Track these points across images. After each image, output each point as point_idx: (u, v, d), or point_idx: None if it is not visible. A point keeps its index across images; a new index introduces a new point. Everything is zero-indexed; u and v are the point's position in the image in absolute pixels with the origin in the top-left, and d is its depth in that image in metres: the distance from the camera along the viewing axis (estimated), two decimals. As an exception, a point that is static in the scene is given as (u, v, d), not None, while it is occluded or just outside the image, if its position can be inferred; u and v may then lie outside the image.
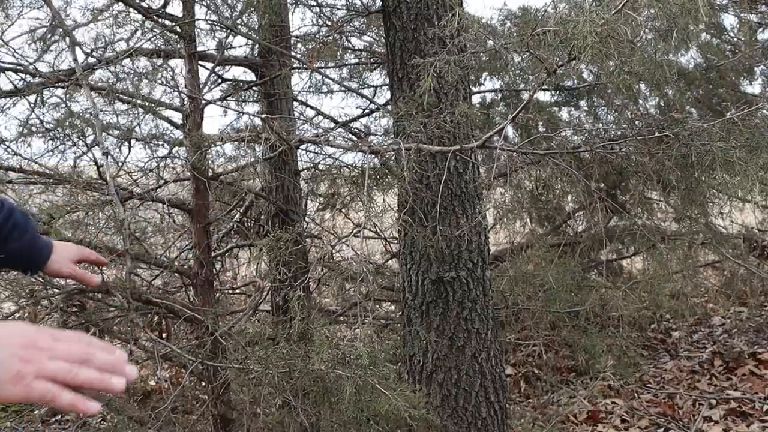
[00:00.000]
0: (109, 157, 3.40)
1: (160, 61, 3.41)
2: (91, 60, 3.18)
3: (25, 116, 3.10)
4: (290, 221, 3.89)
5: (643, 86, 4.30)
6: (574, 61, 1.91)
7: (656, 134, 2.81)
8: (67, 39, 2.66)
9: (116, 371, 0.79)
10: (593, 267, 4.94)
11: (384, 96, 4.87)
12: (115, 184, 2.65)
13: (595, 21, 1.66)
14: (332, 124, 4.51)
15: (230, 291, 4.99)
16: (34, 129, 3.04)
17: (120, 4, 3.23)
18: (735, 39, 5.04)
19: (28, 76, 3.13)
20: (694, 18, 1.68)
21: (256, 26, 3.88)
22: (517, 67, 4.63)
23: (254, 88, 4.26)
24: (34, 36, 3.17)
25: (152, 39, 3.35)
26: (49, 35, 3.17)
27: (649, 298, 4.32)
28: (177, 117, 3.47)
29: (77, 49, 2.71)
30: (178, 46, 3.30)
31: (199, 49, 3.40)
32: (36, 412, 4.24)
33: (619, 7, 1.74)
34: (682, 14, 1.70)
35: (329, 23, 4.30)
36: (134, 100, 3.03)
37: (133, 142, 3.40)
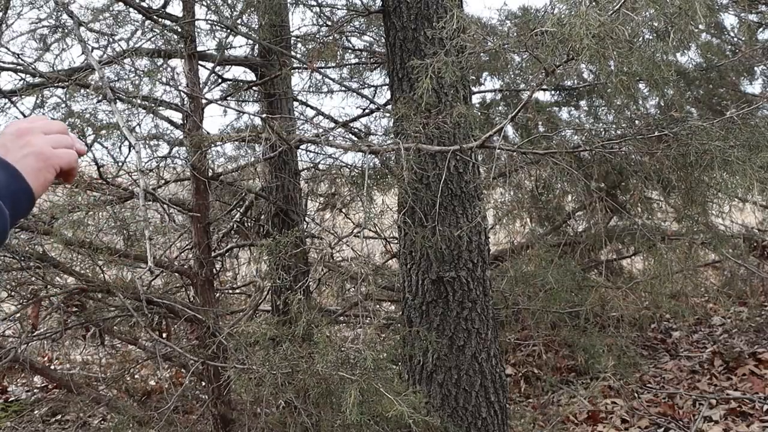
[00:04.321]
0: (110, 157, 3.41)
1: (160, 61, 3.42)
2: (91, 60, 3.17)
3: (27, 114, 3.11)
4: (290, 221, 3.90)
5: (642, 86, 4.30)
6: (572, 61, 1.92)
7: (656, 134, 2.81)
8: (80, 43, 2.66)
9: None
10: (593, 267, 4.94)
11: (384, 96, 4.87)
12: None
13: (591, 23, 1.66)
14: (332, 124, 4.51)
15: (230, 291, 4.99)
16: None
17: (120, 3, 3.24)
18: (735, 39, 5.04)
19: (28, 75, 3.13)
20: (691, 18, 1.68)
21: (256, 26, 3.89)
22: (517, 66, 4.62)
23: (254, 88, 4.27)
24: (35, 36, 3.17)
25: (152, 39, 3.36)
26: (51, 35, 3.18)
27: (649, 298, 4.32)
28: (177, 117, 3.48)
29: (88, 47, 2.72)
30: (178, 46, 3.31)
31: (199, 49, 3.40)
32: (36, 412, 4.24)
33: (617, 7, 1.75)
34: (679, 15, 1.70)
35: (329, 23, 4.30)
36: (134, 99, 3.03)
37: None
